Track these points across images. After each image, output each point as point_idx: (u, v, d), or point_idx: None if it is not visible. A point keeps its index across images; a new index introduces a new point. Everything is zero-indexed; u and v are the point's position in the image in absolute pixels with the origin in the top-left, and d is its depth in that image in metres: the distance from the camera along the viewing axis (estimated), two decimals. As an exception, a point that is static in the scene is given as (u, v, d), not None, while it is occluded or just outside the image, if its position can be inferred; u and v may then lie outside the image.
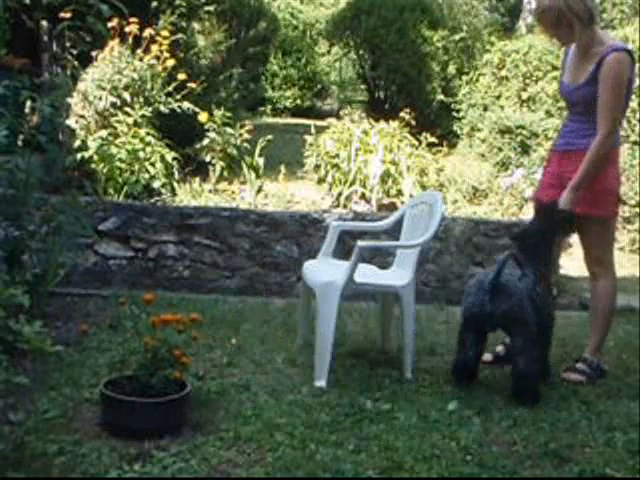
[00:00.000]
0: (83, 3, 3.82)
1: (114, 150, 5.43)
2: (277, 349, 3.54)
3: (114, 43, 5.82)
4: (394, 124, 6.79)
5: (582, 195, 3.28)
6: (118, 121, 5.65)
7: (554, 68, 8.56)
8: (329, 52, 11.99)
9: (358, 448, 2.50)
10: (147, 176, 5.52)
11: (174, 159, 5.79)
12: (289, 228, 4.99)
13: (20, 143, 4.06)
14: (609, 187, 3.39)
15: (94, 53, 5.83)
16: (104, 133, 5.56)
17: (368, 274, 3.36)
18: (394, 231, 3.76)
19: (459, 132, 9.03)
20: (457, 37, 9.63)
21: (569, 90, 3.40)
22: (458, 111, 9.21)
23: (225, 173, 6.16)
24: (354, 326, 4.05)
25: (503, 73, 8.95)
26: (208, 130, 6.15)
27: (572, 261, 5.70)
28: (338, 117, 7.65)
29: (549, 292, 3.36)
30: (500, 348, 3.57)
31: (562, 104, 8.27)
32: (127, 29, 5.80)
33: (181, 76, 5.96)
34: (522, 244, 3.34)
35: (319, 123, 7.81)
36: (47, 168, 4.72)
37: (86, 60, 5.84)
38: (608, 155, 3.31)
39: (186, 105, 5.96)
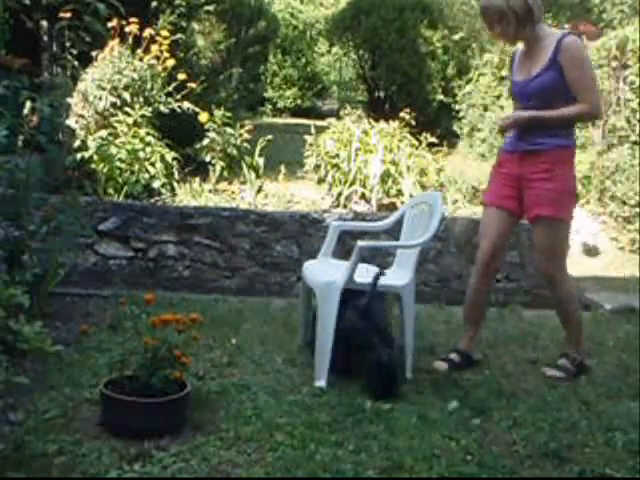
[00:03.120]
0: (82, 2, 3.82)
1: (114, 150, 5.44)
2: (277, 349, 3.54)
3: (114, 43, 5.83)
4: (394, 124, 6.79)
5: (543, 196, 3.27)
6: (118, 121, 5.66)
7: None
8: (329, 52, 12.00)
9: (358, 448, 2.50)
10: (147, 176, 5.52)
11: (174, 159, 5.80)
12: (289, 228, 4.99)
13: (20, 143, 4.06)
14: (568, 188, 3.36)
15: (94, 53, 5.84)
16: (104, 133, 5.56)
17: (368, 274, 3.36)
18: (394, 231, 3.76)
19: (459, 132, 9.04)
20: (457, 37, 9.64)
21: (523, 85, 3.35)
22: (458, 111, 9.21)
23: (225, 173, 6.17)
24: (354, 326, 4.04)
25: (503, 73, 8.95)
26: (208, 130, 6.16)
27: (571, 262, 5.70)
28: (338, 117, 7.66)
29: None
30: (453, 355, 3.51)
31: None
32: (127, 29, 5.81)
33: (181, 76, 5.96)
34: None
35: (319, 123, 7.82)
36: (47, 168, 4.73)
37: (86, 60, 5.85)
38: (565, 155, 3.33)
39: (186, 105, 5.97)
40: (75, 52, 5.82)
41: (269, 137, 6.51)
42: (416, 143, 6.78)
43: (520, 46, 3.45)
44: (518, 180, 3.36)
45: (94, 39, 5.46)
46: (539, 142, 3.29)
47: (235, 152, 6.25)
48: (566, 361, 3.42)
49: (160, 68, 5.97)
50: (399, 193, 6.20)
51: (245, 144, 6.32)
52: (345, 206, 6.00)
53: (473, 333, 3.57)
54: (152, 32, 5.92)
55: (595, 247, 6.38)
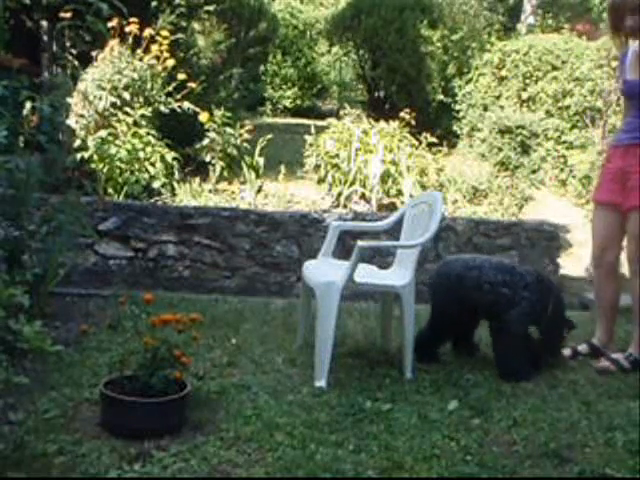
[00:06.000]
0: (83, 2, 3.83)
1: (114, 150, 5.44)
2: (277, 349, 3.54)
3: (114, 43, 5.83)
4: (394, 124, 6.79)
5: (638, 188, 3.35)
6: (118, 121, 5.66)
7: (554, 68, 8.56)
8: (329, 52, 11.99)
9: (358, 448, 2.50)
10: (147, 176, 5.53)
11: (174, 159, 5.80)
12: (289, 228, 4.99)
13: (20, 143, 4.06)
14: None
15: (94, 53, 5.84)
16: (104, 133, 5.56)
17: (368, 274, 3.36)
18: (394, 231, 3.76)
19: (459, 132, 9.03)
20: (457, 37, 9.63)
21: (633, 85, 3.48)
22: (458, 111, 9.20)
23: (225, 173, 6.17)
24: (354, 326, 4.05)
25: (503, 73, 8.94)
26: (208, 130, 6.16)
27: (572, 261, 5.71)
28: (338, 117, 7.65)
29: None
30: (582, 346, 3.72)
31: (562, 104, 8.31)
32: (127, 29, 5.80)
33: (181, 76, 5.96)
34: None
35: (319, 123, 7.81)
36: (47, 168, 4.73)
37: (86, 60, 5.85)
38: None
39: (186, 105, 5.97)
40: (75, 52, 5.82)
41: (269, 137, 6.51)
42: (416, 143, 6.78)
43: (632, 46, 3.49)
44: (621, 173, 3.48)
45: (94, 39, 5.48)
46: (638, 136, 3.40)
47: (235, 152, 6.26)
48: (622, 357, 3.52)
49: (160, 68, 5.97)
50: (399, 193, 6.20)
51: (245, 144, 6.32)
52: (345, 206, 6.00)
53: (606, 327, 3.70)
54: (152, 32, 5.92)
55: None
